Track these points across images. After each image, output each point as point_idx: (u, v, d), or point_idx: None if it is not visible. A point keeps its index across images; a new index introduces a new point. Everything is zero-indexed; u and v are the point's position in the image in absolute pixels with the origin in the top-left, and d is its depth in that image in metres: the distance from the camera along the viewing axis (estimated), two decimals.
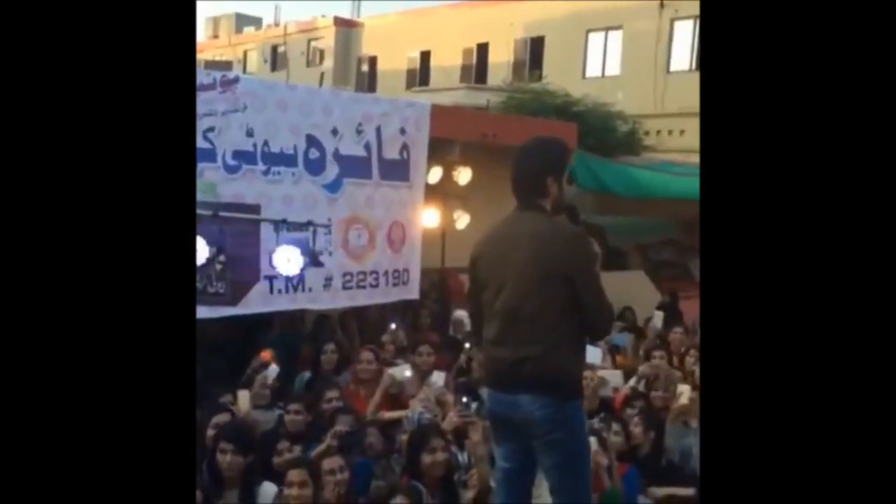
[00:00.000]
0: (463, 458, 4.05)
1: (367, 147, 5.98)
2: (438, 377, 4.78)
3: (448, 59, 21.10)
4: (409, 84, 22.21)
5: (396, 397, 4.82)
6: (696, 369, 5.81)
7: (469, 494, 3.72)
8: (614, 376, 5.23)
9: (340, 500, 3.58)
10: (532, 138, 3.10)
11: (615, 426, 4.33)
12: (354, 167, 5.87)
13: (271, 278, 5.18)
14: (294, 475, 3.37)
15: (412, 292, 6.42)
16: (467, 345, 5.83)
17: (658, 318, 7.08)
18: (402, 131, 6.18)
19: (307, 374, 5.28)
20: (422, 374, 4.97)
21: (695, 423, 4.87)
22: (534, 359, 2.72)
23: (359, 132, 5.90)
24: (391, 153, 6.12)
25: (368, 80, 25.03)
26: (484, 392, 4.86)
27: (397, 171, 6.20)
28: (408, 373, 4.84)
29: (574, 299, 2.75)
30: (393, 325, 6.15)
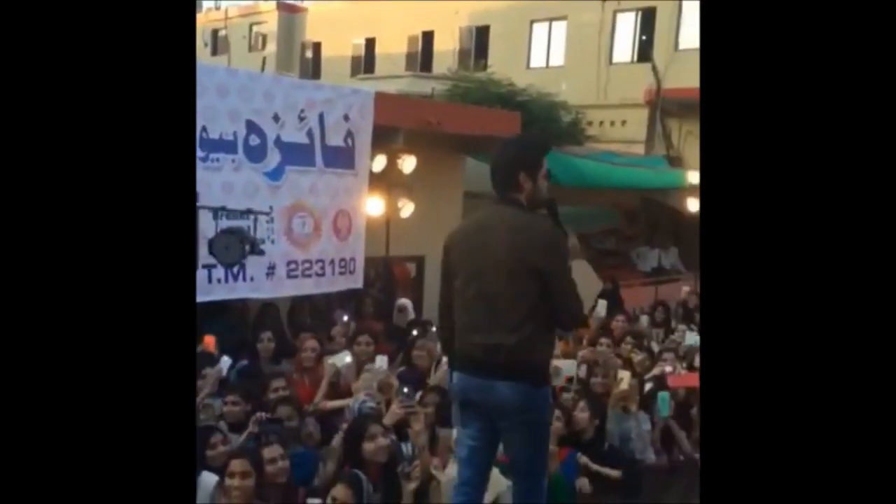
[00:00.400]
0: (407, 448, 4.03)
1: (310, 134, 5.90)
2: (382, 361, 4.77)
3: (393, 47, 20.94)
4: (354, 71, 21.96)
5: (338, 386, 4.78)
6: (633, 356, 5.94)
7: (412, 485, 3.71)
8: (568, 365, 5.30)
9: (280, 490, 3.54)
10: (513, 135, 3.25)
11: (556, 412, 4.38)
12: (297, 154, 5.79)
13: (210, 267, 5.07)
14: (236, 465, 3.32)
15: (357, 281, 6.39)
16: (415, 332, 5.82)
17: (602, 307, 7.21)
18: (346, 118, 6.12)
19: (244, 363, 5.20)
20: (361, 364, 4.94)
21: (634, 408, 4.99)
22: (507, 347, 2.86)
23: (301, 119, 5.82)
24: (335, 140, 6.06)
25: (312, 67, 24.67)
26: (431, 377, 4.91)
27: (341, 158, 6.14)
28: (348, 359, 4.81)
29: (545, 291, 2.86)
30: (345, 318, 6.13)
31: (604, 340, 5.95)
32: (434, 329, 6.42)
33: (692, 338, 6.99)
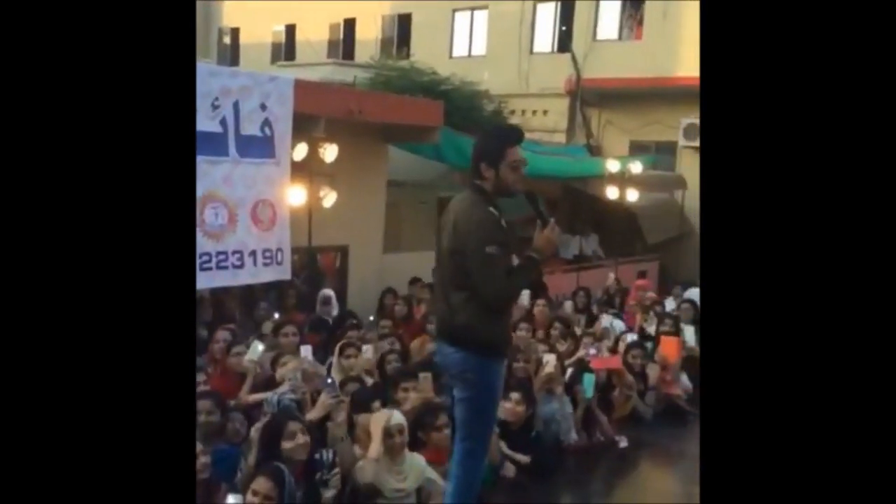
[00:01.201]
0: (326, 455, 3.87)
1: (224, 122, 5.72)
2: (306, 351, 4.72)
3: (315, 34, 20.57)
4: (274, 58, 21.46)
5: (256, 377, 4.69)
6: (558, 345, 6.06)
7: (330, 492, 3.65)
8: None
9: (199, 487, 3.44)
10: (489, 127, 3.52)
11: None
12: (208, 144, 5.60)
13: None
14: None
15: (285, 272, 6.26)
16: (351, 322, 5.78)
17: (524, 297, 7.29)
18: (263, 107, 5.95)
19: None
20: (286, 355, 4.86)
21: (559, 391, 5.07)
22: (450, 318, 3.24)
23: (214, 107, 5.63)
24: (250, 129, 5.89)
25: (231, 53, 24.03)
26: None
27: (258, 147, 5.98)
28: (260, 348, 4.72)
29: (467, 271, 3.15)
30: (277, 315, 6.03)
31: (523, 325, 6.02)
32: (372, 318, 6.44)
33: (608, 320, 7.17)
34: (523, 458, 4.58)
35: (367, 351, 5.11)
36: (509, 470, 4.46)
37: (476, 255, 3.11)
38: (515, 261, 3.33)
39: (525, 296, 7.30)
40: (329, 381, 4.25)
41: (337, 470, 3.68)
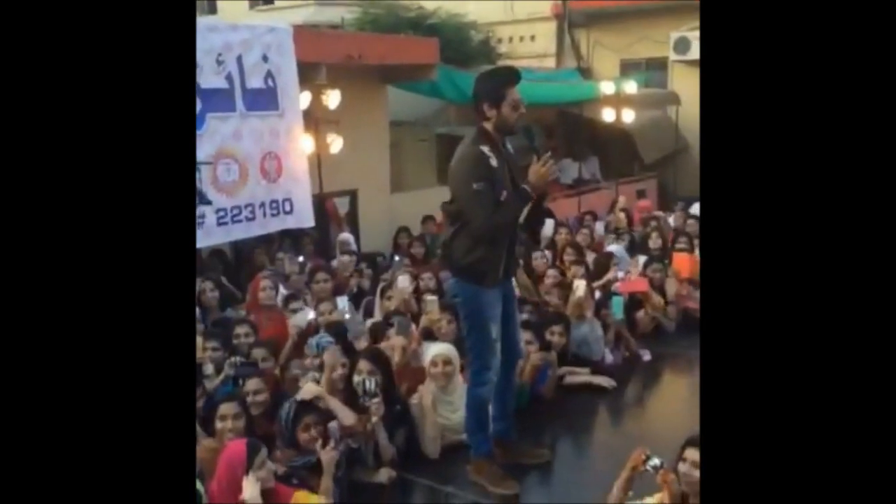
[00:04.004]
0: (369, 383, 3.85)
1: (229, 78, 5.75)
2: (343, 302, 4.88)
3: None
4: (253, 2, 20.99)
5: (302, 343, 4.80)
6: (574, 267, 6.23)
7: (374, 418, 3.77)
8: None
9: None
10: (487, 69, 3.74)
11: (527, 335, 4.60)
12: (217, 100, 5.65)
13: None
14: (226, 409, 3.47)
15: (302, 220, 6.39)
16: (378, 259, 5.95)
17: (549, 226, 7.43)
18: (265, 59, 5.97)
19: None
20: (320, 301, 5.02)
21: (589, 314, 5.27)
22: (445, 247, 3.63)
23: (219, 63, 5.65)
24: (255, 82, 5.92)
25: (208, 1, 23.44)
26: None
27: (263, 100, 6.01)
28: (311, 315, 4.82)
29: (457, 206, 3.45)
30: (301, 258, 6.16)
31: (536, 254, 6.27)
32: (398, 258, 6.63)
33: (618, 248, 7.29)
34: (606, 382, 4.94)
35: (404, 281, 5.27)
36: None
37: (463, 191, 3.36)
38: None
39: (549, 225, 7.45)
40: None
41: (378, 399, 3.75)
